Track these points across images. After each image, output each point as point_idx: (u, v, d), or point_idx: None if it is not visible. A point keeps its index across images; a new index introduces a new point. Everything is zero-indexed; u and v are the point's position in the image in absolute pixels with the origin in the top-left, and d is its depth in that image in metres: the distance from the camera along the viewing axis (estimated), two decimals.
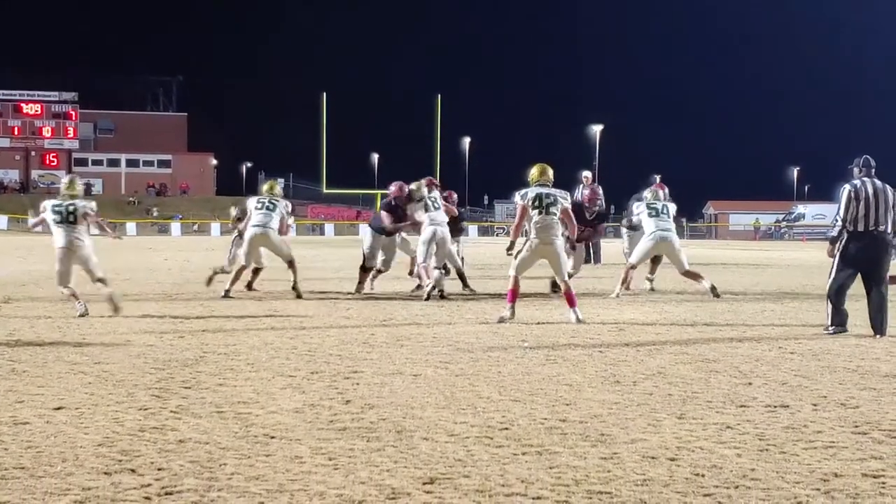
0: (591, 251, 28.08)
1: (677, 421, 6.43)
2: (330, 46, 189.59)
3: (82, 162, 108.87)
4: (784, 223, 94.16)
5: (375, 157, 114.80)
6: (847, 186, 11.13)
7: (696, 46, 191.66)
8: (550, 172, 13.15)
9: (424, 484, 4.87)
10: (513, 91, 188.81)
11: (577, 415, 6.58)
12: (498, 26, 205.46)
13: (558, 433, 6.03)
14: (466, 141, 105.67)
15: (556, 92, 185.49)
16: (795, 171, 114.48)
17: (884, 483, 4.95)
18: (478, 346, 10.00)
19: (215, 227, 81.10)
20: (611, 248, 35.07)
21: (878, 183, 11.17)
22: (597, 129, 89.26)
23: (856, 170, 11.32)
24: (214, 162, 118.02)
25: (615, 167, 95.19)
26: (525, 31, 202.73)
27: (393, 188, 16.92)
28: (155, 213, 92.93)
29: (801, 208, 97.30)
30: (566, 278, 12.75)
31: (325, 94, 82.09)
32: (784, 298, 16.30)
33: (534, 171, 13.10)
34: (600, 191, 14.11)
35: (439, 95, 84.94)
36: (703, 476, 5.04)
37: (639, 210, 16.89)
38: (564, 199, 12.84)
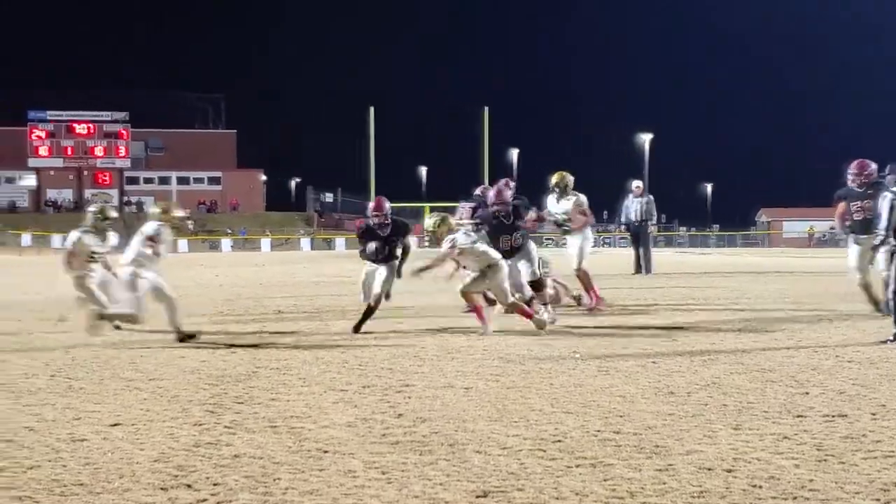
0: (643, 260, 27.97)
1: (733, 432, 6.37)
2: (376, 60, 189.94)
3: (134, 180, 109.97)
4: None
5: (423, 169, 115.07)
6: (888, 195, 11.08)
7: (748, 51, 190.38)
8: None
9: (478, 497, 4.86)
10: (561, 101, 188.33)
11: (630, 426, 6.54)
12: (546, 36, 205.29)
13: (612, 445, 5.99)
14: (515, 152, 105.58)
15: (605, 100, 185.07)
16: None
17: None
18: (529, 357, 9.97)
19: (265, 242, 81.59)
20: (663, 257, 34.99)
21: None
22: (646, 138, 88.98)
23: (891, 177, 11.28)
24: (263, 178, 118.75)
25: (666, 175, 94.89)
26: (572, 40, 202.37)
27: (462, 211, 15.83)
28: (229, 231, 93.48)
29: None
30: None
31: (371, 108, 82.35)
32: (839, 306, 16.12)
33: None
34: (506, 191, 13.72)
35: (487, 108, 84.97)
36: (760, 487, 4.99)
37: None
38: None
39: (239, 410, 7.23)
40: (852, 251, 14.05)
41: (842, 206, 13.96)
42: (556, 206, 15.47)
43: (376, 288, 12.79)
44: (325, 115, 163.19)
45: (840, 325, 12.85)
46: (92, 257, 13.32)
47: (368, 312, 12.72)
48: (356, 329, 12.50)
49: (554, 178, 15.44)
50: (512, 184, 14.64)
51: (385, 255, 12.95)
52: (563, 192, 15.34)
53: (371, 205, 13.36)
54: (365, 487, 5.05)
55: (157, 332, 12.42)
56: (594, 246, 16.41)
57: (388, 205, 13.15)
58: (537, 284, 13.46)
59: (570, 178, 15.36)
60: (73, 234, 14.10)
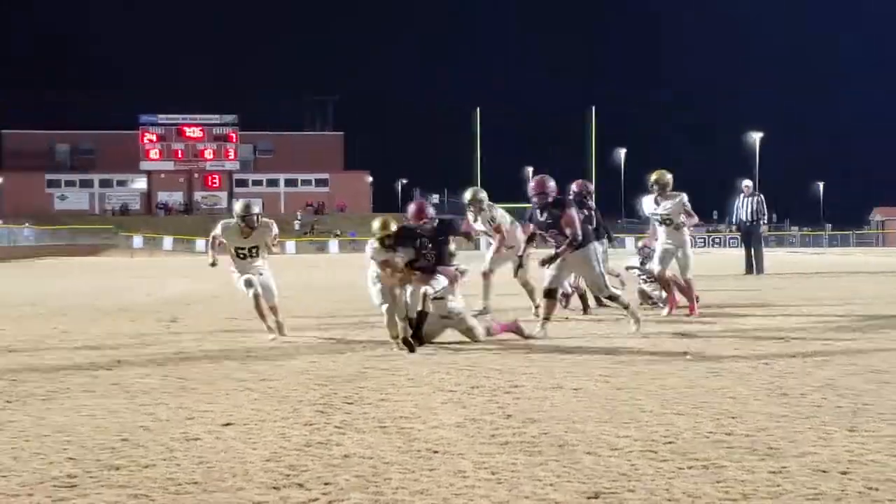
0: (754, 260, 27.61)
1: (848, 434, 6.25)
2: (483, 62, 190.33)
3: (242, 183, 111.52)
4: None
5: (529, 170, 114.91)
6: None
7: (856, 49, 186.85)
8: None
9: (588, 498, 4.83)
10: (670, 100, 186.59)
11: (743, 428, 6.45)
12: (652, 35, 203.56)
13: (724, 447, 5.92)
14: (622, 152, 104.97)
15: (715, 99, 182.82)
16: None
17: None
18: (639, 359, 9.89)
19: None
20: (775, 257, 34.46)
21: None
22: (756, 137, 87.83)
23: None
24: (370, 179, 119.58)
25: (777, 174, 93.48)
26: (679, 39, 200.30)
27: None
28: (338, 232, 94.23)
29: None
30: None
31: (478, 108, 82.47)
32: None
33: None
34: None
35: (593, 107, 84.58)
36: (876, 490, 4.88)
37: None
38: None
39: (349, 411, 7.28)
40: None
41: None
42: (653, 206, 15.04)
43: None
44: (431, 117, 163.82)
45: None
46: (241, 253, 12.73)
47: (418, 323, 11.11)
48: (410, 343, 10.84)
49: (653, 177, 14.87)
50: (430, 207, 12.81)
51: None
52: (662, 190, 14.92)
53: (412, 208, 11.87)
54: (475, 487, 5.05)
55: (262, 332, 12.56)
56: (692, 247, 15.87)
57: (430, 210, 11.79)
58: (550, 293, 12.40)
59: (669, 177, 14.89)
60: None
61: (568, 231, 12.07)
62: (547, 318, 12.19)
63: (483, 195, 15.21)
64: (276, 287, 12.87)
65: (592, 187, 16.60)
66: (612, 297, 12.36)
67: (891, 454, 5.65)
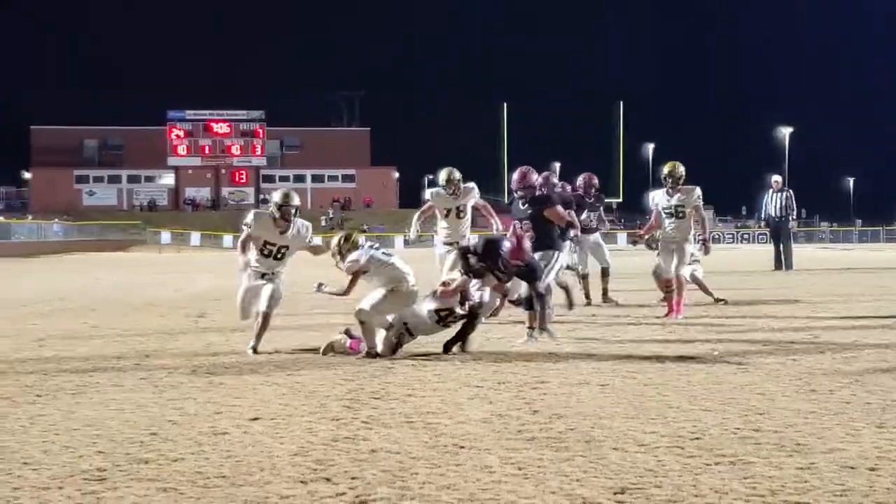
0: (783, 256, 27.49)
1: (876, 430, 6.22)
2: (509, 56, 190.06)
3: (269, 178, 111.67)
4: None
5: (557, 165, 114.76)
6: None
7: (881, 41, 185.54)
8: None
9: (615, 494, 4.83)
10: (697, 96, 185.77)
11: (771, 424, 6.43)
12: (677, 31, 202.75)
13: (752, 443, 5.90)
14: (650, 147, 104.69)
15: (742, 94, 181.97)
16: None
17: None
18: (666, 355, 9.87)
19: (398, 240, 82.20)
20: (804, 252, 34.26)
21: None
22: (786, 132, 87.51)
23: None
24: (397, 175, 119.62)
25: (806, 170, 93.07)
26: (706, 35, 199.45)
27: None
28: (364, 227, 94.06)
29: None
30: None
31: (505, 104, 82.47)
32: None
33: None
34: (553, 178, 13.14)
35: (621, 102, 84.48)
36: None
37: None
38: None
39: (375, 406, 7.30)
40: None
41: None
42: (665, 198, 14.42)
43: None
44: (458, 112, 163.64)
45: None
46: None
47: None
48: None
49: (666, 169, 14.47)
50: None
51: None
52: (675, 183, 14.48)
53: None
54: (502, 483, 5.06)
55: (289, 328, 12.60)
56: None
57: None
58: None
59: (682, 169, 14.46)
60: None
61: (558, 223, 11.95)
62: (531, 328, 11.17)
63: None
64: (282, 296, 11.12)
65: (597, 181, 16.75)
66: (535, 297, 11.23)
67: None
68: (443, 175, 14.66)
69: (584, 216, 15.88)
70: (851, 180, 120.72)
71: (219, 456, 5.75)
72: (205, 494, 4.91)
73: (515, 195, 12.20)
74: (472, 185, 14.79)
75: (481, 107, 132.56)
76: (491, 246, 10.49)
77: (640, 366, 9.10)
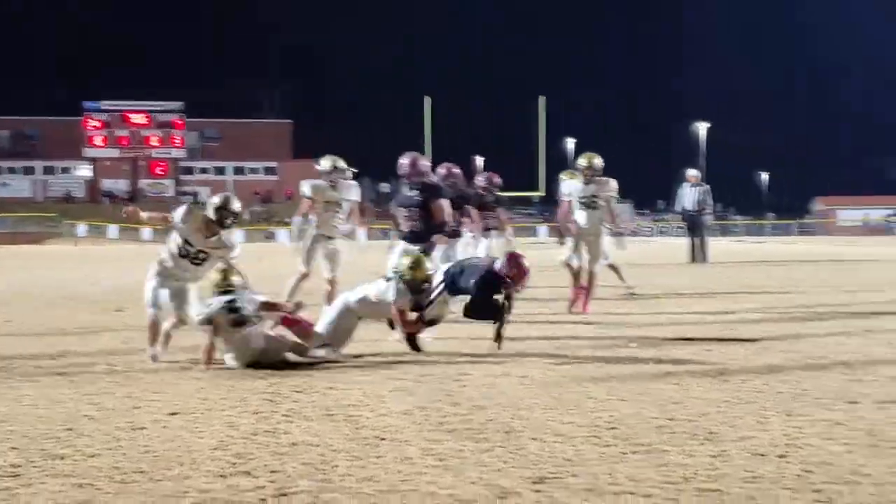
0: (700, 249, 27.85)
1: (786, 418, 6.38)
2: (432, 50, 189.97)
3: (189, 170, 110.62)
4: None
5: (480, 160, 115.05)
6: None
7: (805, 41, 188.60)
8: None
9: (534, 483, 4.90)
10: (618, 90, 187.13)
11: (685, 413, 6.56)
12: (600, 26, 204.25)
13: (667, 432, 6.02)
14: (571, 142, 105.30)
15: (662, 90, 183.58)
16: None
17: None
18: (583, 347, 9.99)
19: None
20: (719, 246, 34.64)
21: None
22: (702, 127, 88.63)
23: None
24: (319, 168, 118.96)
25: (720, 164, 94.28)
26: (628, 30, 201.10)
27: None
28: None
29: None
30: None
31: (428, 98, 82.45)
32: (893, 293, 16.00)
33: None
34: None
35: (543, 97, 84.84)
36: (812, 472, 5.00)
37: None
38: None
39: (297, 399, 7.31)
40: None
41: None
42: (580, 188, 14.22)
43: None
44: (381, 105, 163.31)
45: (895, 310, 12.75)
46: None
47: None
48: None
49: (583, 161, 14.39)
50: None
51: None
52: (593, 174, 14.31)
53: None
54: (422, 474, 5.11)
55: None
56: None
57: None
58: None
59: (599, 160, 14.26)
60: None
61: (437, 218, 11.74)
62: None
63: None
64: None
65: (499, 180, 16.09)
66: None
67: (827, 438, 5.78)
68: (327, 163, 13.76)
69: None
70: (765, 175, 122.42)
71: (136, 451, 5.73)
72: (122, 490, 4.90)
73: (404, 182, 12.06)
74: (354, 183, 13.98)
75: (405, 100, 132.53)
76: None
77: (559, 358, 9.20)
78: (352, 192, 13.63)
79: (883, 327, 11.22)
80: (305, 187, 13.44)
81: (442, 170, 14.12)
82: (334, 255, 13.19)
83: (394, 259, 10.90)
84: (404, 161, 12.08)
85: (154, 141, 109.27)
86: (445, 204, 11.84)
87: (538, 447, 5.66)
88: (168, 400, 7.37)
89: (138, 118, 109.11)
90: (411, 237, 11.59)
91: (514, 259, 9.97)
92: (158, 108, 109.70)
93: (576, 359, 9.15)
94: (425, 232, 11.61)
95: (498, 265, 9.95)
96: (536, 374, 8.32)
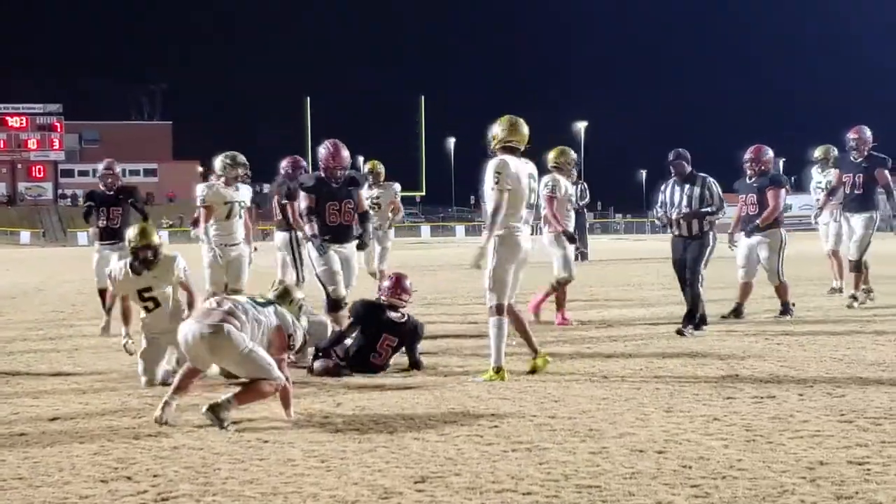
0: (578, 247, 28.06)
1: (665, 414, 6.51)
2: (312, 50, 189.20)
3: (68, 173, 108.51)
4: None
5: (360, 159, 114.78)
6: None
7: (680, 44, 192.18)
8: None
9: (416, 483, 4.94)
10: (497, 89, 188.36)
11: (565, 411, 6.66)
12: (476, 24, 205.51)
13: (547, 430, 6.10)
14: (451, 141, 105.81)
15: (541, 88, 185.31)
16: (781, 163, 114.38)
17: (868, 470, 5.03)
18: (465, 347, 10.05)
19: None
20: (598, 244, 35.00)
21: None
22: (581, 126, 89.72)
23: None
24: (200, 169, 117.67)
25: (599, 163, 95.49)
26: (506, 27, 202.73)
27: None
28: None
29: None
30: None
31: (307, 98, 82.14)
32: (768, 290, 16.34)
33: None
34: None
35: (423, 97, 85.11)
36: (690, 468, 5.11)
37: None
38: None
39: (180, 402, 7.23)
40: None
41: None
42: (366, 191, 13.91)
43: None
44: (261, 106, 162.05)
45: (771, 308, 13.04)
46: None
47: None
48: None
49: (368, 166, 14.65)
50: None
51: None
52: (376, 178, 14.48)
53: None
54: (304, 475, 5.11)
55: (89, 323, 12.36)
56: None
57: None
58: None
59: (382, 167, 14.64)
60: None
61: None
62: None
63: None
64: None
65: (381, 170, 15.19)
66: None
67: (705, 433, 5.92)
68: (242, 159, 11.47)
69: None
70: (644, 173, 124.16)
71: (15, 457, 5.63)
72: (1, 497, 4.82)
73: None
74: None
75: (284, 99, 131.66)
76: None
77: (440, 359, 9.25)
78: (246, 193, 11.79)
79: (759, 324, 11.47)
80: (200, 192, 11.29)
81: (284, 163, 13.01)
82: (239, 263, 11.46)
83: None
84: (284, 162, 12.35)
85: (32, 144, 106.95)
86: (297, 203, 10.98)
87: (420, 447, 5.70)
88: (48, 405, 7.25)
89: (16, 121, 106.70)
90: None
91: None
92: (37, 111, 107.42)
93: (456, 360, 9.21)
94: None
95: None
96: (419, 376, 8.37)
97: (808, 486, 4.76)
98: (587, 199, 28.24)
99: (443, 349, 9.84)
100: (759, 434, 5.87)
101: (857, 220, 13.36)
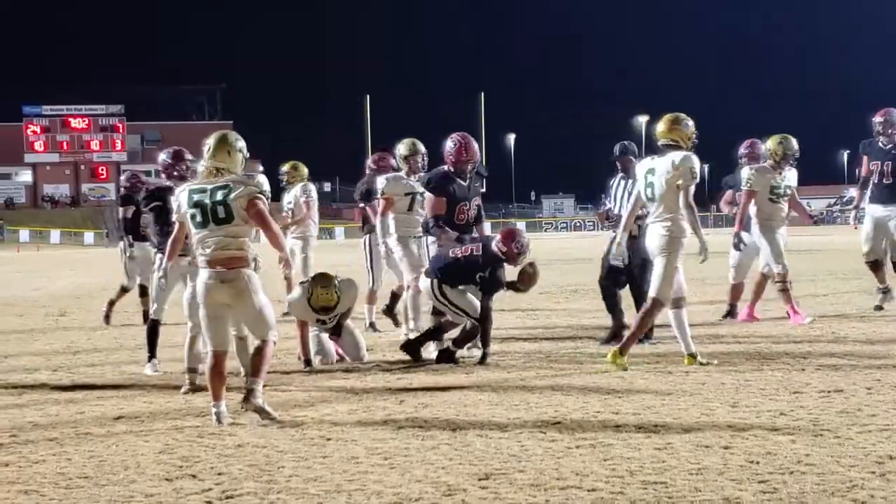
0: None
1: (731, 409, 6.44)
2: (372, 48, 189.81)
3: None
4: (837, 208, 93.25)
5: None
6: None
7: (735, 23, 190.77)
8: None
9: (480, 480, 4.91)
10: (557, 86, 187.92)
11: (629, 406, 6.61)
12: (537, 23, 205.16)
13: (612, 425, 6.05)
14: (511, 138, 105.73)
15: (601, 85, 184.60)
16: (845, 155, 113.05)
17: None
18: (528, 343, 10.02)
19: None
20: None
21: None
22: (642, 120, 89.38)
23: None
24: (261, 168, 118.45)
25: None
26: (566, 27, 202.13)
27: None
28: None
29: (852, 191, 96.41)
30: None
31: (367, 96, 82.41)
32: (837, 282, 16.15)
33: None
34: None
35: (483, 93, 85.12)
36: (757, 463, 5.05)
37: None
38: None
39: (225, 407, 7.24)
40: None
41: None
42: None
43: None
44: (322, 104, 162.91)
45: (836, 302, 12.88)
46: None
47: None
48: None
49: (285, 167, 13.78)
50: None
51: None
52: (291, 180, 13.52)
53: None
54: (368, 473, 5.10)
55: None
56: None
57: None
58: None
59: (305, 169, 13.73)
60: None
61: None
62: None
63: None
64: None
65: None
66: None
67: (771, 428, 5.84)
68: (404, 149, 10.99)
69: None
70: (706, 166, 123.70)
71: (81, 456, 5.68)
72: (67, 496, 4.86)
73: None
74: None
75: (345, 100, 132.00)
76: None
77: (503, 356, 9.21)
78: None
79: (826, 317, 11.33)
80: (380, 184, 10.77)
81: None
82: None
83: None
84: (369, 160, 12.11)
85: (95, 145, 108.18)
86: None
87: (483, 443, 5.68)
88: (113, 404, 7.31)
89: (79, 122, 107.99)
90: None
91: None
92: (99, 112, 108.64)
93: (519, 355, 9.17)
94: None
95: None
96: (481, 370, 8.35)
97: (878, 480, 4.68)
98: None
99: (503, 349, 9.79)
100: (826, 429, 5.78)
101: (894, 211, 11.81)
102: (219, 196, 6.66)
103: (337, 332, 8.96)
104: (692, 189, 8.30)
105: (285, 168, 13.69)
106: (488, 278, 8.84)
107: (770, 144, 11.14)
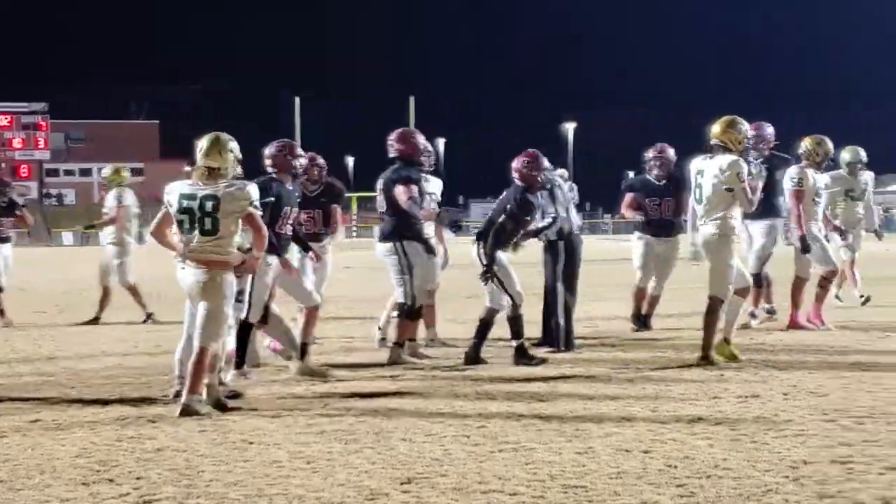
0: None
1: (651, 414, 6.51)
2: (296, 48, 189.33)
3: (54, 172, 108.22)
4: None
5: (350, 160, 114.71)
6: None
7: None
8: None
9: (402, 484, 4.92)
10: (486, 90, 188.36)
11: (552, 411, 6.65)
12: (469, 26, 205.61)
13: (534, 430, 6.09)
14: (441, 142, 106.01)
15: (530, 90, 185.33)
16: None
17: (851, 469, 5.04)
18: (454, 350, 10.01)
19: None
20: (587, 244, 34.89)
21: None
22: (570, 127, 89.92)
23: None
24: (188, 169, 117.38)
25: (592, 163, 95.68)
26: (496, 29, 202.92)
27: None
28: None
29: None
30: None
31: (297, 97, 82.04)
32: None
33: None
34: None
35: (412, 97, 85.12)
36: (675, 467, 5.11)
37: None
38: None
39: (163, 404, 7.20)
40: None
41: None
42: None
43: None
44: (248, 104, 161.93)
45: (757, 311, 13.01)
46: None
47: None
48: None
49: (106, 171, 14.16)
50: None
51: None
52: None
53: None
54: (290, 477, 5.08)
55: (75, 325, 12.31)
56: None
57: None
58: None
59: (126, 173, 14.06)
60: None
61: None
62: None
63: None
64: None
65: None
66: None
67: (690, 433, 5.92)
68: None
69: None
70: (631, 174, 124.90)
71: None
72: None
73: None
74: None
75: (271, 99, 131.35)
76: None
77: (430, 360, 9.22)
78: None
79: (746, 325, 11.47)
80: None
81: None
82: None
83: None
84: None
85: (17, 143, 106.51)
86: None
87: (407, 448, 5.68)
88: (30, 407, 7.20)
89: (1, 120, 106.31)
90: None
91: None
92: (22, 110, 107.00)
93: (446, 362, 9.18)
94: None
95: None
96: (407, 375, 8.36)
97: (792, 485, 4.77)
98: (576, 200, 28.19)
99: (434, 351, 9.80)
100: (743, 433, 5.87)
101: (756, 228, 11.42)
102: (208, 207, 6.88)
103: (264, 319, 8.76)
104: (747, 189, 8.66)
105: (106, 172, 14.20)
106: (519, 202, 9.10)
107: (808, 145, 11.07)
